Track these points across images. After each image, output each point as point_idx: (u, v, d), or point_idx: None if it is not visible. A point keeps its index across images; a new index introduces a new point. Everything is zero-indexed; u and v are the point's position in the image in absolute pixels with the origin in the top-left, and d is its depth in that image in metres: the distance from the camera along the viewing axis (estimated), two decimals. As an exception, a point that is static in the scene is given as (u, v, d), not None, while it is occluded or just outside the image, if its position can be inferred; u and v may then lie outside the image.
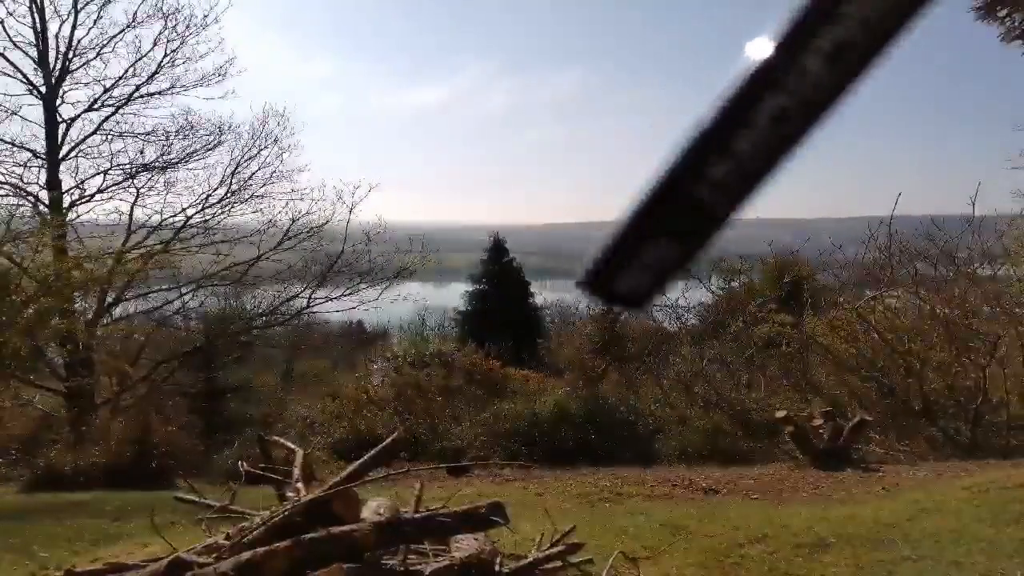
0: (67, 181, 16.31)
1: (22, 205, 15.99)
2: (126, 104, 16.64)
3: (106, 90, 16.41)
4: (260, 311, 18.00)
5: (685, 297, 20.95)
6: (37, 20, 15.85)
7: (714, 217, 0.50)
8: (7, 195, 15.89)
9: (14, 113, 15.83)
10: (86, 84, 16.40)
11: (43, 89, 16.02)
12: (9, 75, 15.85)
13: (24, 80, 15.97)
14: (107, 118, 16.58)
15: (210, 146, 17.12)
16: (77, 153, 16.44)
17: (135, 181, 16.80)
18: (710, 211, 0.49)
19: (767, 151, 0.48)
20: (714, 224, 0.50)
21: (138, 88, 16.60)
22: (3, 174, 15.86)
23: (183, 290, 17.34)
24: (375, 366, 18.97)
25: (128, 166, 16.69)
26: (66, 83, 16.22)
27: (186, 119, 17.00)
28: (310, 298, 17.76)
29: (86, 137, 16.48)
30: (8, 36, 15.61)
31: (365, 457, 4.32)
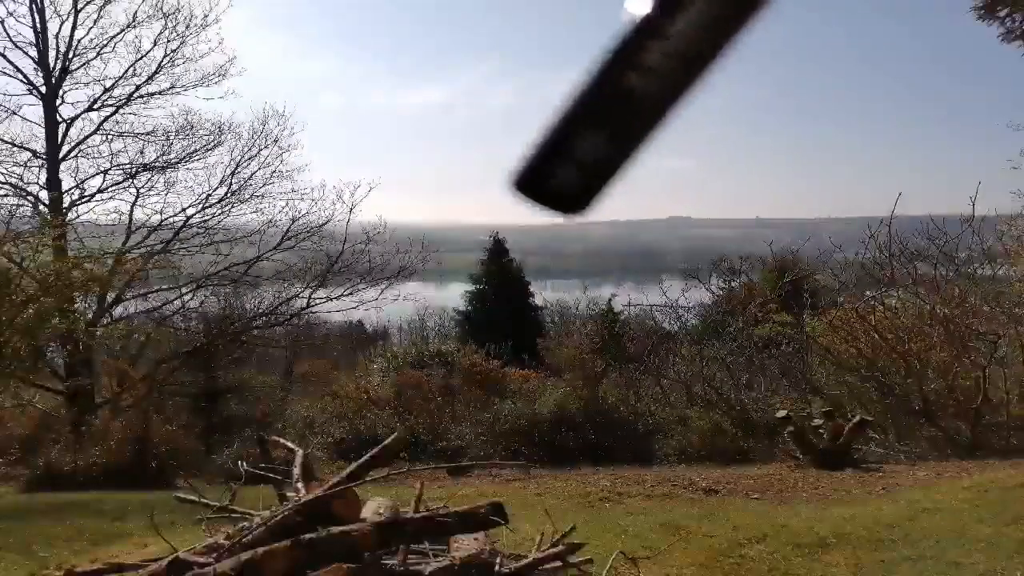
0: (67, 181, 16.32)
1: (22, 205, 16.01)
2: (126, 104, 16.65)
3: (106, 90, 16.43)
4: (260, 311, 17.99)
5: (685, 297, 20.96)
6: (37, 20, 15.86)
7: (647, 107, 0.47)
8: (7, 195, 15.90)
9: (14, 113, 15.85)
10: (86, 84, 16.42)
11: (43, 89, 16.02)
12: (9, 75, 15.87)
13: (24, 80, 15.99)
14: (107, 118, 16.59)
15: (210, 146, 17.13)
16: (77, 153, 16.45)
17: (135, 181, 16.80)
18: (642, 100, 0.46)
19: (705, 33, 0.45)
20: (647, 115, 0.47)
21: (138, 88, 16.61)
22: (3, 174, 15.87)
23: (183, 290, 17.33)
24: (375, 366, 18.97)
25: (128, 166, 16.70)
26: (66, 83, 16.23)
27: (186, 119, 17.01)
28: (310, 298, 17.74)
29: (86, 137, 16.49)
30: (8, 36, 15.64)
31: (365, 457, 4.32)
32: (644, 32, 0.45)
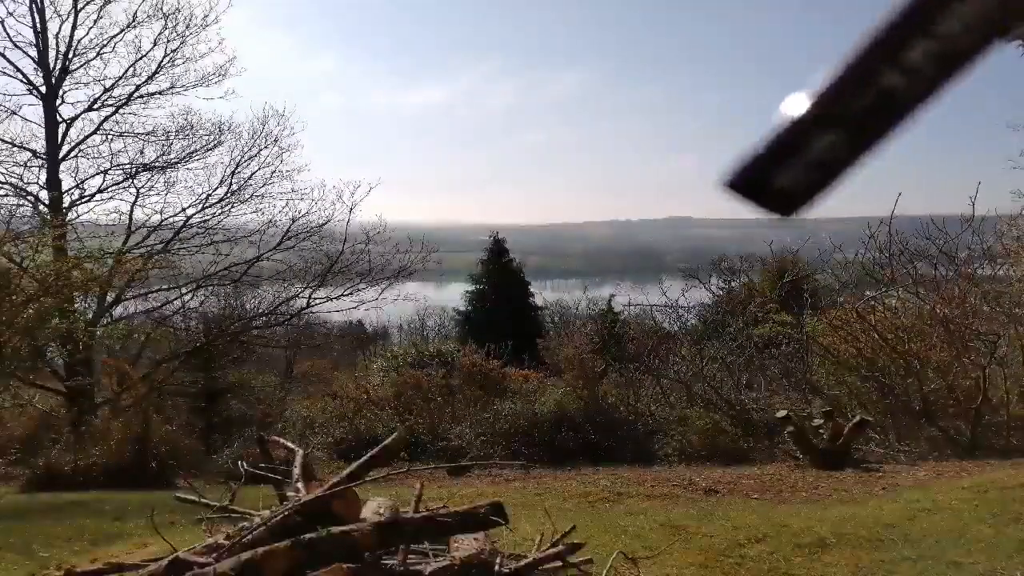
0: (67, 181, 16.32)
1: (22, 205, 16.02)
2: (126, 104, 16.65)
3: (106, 90, 16.43)
4: (260, 311, 17.99)
5: (685, 297, 20.97)
6: (37, 20, 15.85)
7: (897, 106, 0.44)
8: (7, 195, 15.90)
9: (14, 113, 15.85)
10: (86, 84, 16.42)
11: (43, 89, 16.02)
12: (9, 75, 15.87)
13: (24, 80, 15.99)
14: (107, 118, 16.59)
15: (210, 146, 17.13)
16: (77, 153, 16.45)
17: (135, 181, 16.80)
18: (894, 99, 0.44)
19: (977, 31, 0.42)
20: (896, 115, 0.44)
21: (138, 88, 16.61)
22: (3, 174, 15.87)
23: (183, 290, 17.33)
24: (375, 366, 18.97)
25: (128, 166, 16.70)
26: (66, 83, 16.23)
27: (186, 119, 17.01)
28: (310, 298, 17.74)
29: (86, 137, 16.49)
30: (8, 36, 15.63)
31: (365, 457, 4.32)
32: (909, 27, 0.43)
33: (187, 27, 16.65)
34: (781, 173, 0.46)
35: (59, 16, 15.92)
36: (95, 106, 16.43)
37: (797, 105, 0.45)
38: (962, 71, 0.44)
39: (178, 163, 16.96)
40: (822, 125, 0.45)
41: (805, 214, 0.49)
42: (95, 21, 16.05)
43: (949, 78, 0.44)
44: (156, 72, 16.61)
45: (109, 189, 16.70)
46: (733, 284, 22.48)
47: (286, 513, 3.70)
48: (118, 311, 16.86)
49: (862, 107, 0.44)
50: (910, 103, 0.44)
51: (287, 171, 17.52)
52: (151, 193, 16.92)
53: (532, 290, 32.59)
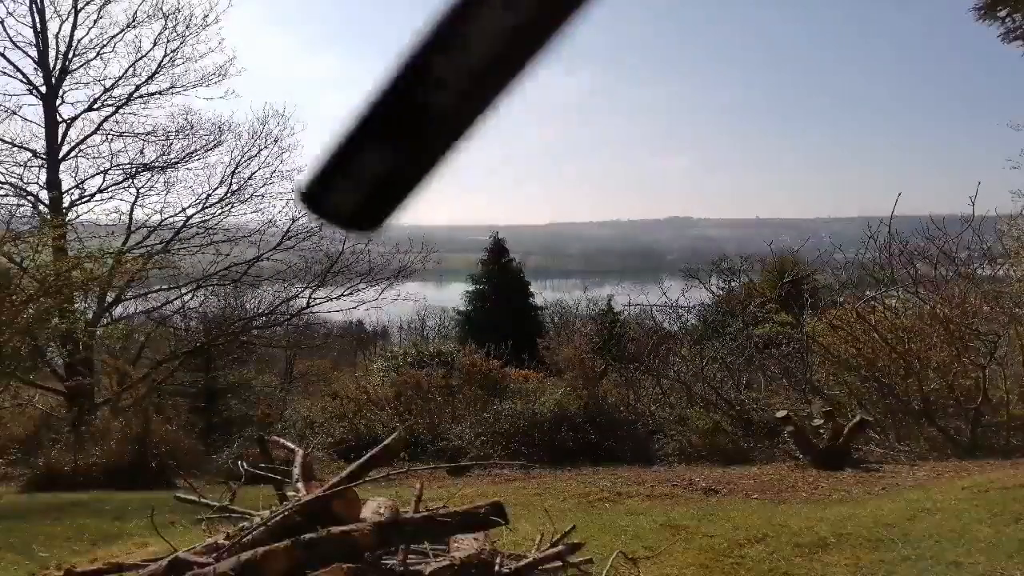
0: (67, 181, 16.31)
1: (22, 205, 16.01)
2: (126, 104, 16.64)
3: (106, 90, 16.42)
4: (260, 311, 17.99)
5: (685, 297, 20.97)
6: (37, 20, 15.85)
7: (439, 122, 0.44)
8: (7, 195, 15.89)
9: (14, 113, 15.84)
10: (86, 84, 16.41)
11: (43, 89, 16.02)
12: (9, 75, 15.86)
13: (24, 80, 15.99)
14: (107, 118, 16.58)
15: (210, 146, 17.12)
16: (77, 153, 16.44)
17: (135, 181, 16.80)
18: (434, 115, 0.44)
19: (502, 45, 0.43)
20: (441, 131, 0.45)
21: (138, 88, 16.60)
22: (3, 174, 15.87)
23: (183, 290, 17.33)
24: (375, 366, 18.97)
25: (128, 166, 16.69)
26: (66, 83, 16.22)
27: (186, 119, 17.00)
28: (310, 298, 17.75)
29: (86, 137, 16.49)
30: (8, 36, 15.63)
31: (365, 457, 4.31)
32: (432, 46, 0.44)
33: (187, 27, 16.66)
34: (338, 194, 0.46)
35: (59, 16, 15.91)
36: (95, 106, 16.43)
37: (346, 120, 0.46)
38: (503, 83, 0.44)
39: (178, 163, 16.97)
40: (372, 143, 0.45)
41: (374, 231, 0.49)
42: (95, 21, 16.06)
43: (490, 92, 0.44)
44: (156, 72, 16.61)
45: (109, 189, 16.70)
46: (733, 284, 22.47)
47: (286, 513, 3.70)
48: (118, 311, 16.87)
49: (407, 125, 0.45)
50: (454, 120, 0.45)
51: (287, 171, 17.53)
52: (151, 193, 16.94)
53: (532, 290, 32.57)
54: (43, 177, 16.18)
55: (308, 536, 3.34)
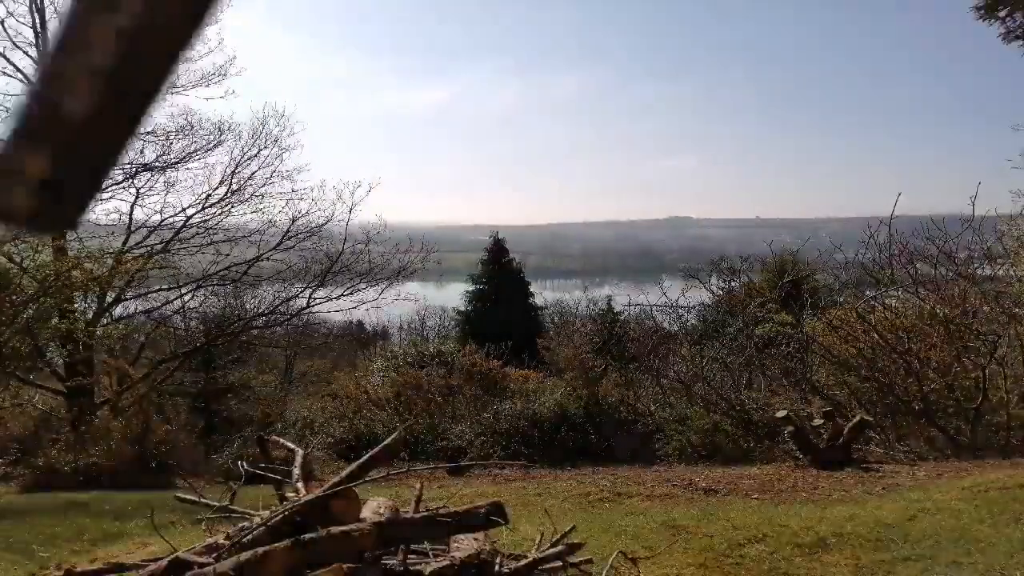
0: (67, 181, 16.30)
1: (22, 205, 15.99)
2: (126, 104, 16.63)
3: (106, 90, 16.41)
4: (260, 311, 17.99)
5: (685, 297, 20.95)
6: (37, 20, 15.84)
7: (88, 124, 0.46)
8: (7, 195, 15.88)
9: (14, 113, 15.84)
10: (86, 84, 16.40)
11: (43, 89, 16.02)
12: (9, 75, 15.85)
13: (24, 80, 15.97)
14: (107, 118, 16.57)
15: (210, 146, 17.10)
16: (77, 153, 16.43)
17: (135, 181, 16.78)
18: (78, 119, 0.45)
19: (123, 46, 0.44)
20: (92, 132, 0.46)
21: (138, 88, 16.59)
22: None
23: (183, 290, 17.33)
24: (375, 366, 18.98)
25: (128, 166, 16.67)
26: (66, 83, 16.22)
27: (186, 119, 17.00)
28: (310, 298, 17.75)
29: (86, 137, 16.47)
30: (8, 36, 15.62)
31: (365, 457, 4.31)
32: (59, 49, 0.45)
33: (187, 27, 16.64)
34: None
35: (59, 16, 15.91)
36: (95, 106, 16.42)
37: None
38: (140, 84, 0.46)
39: (178, 163, 16.95)
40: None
41: (47, 229, 0.51)
42: (95, 21, 16.05)
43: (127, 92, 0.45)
44: (156, 72, 16.60)
45: (109, 189, 16.67)
46: (733, 284, 22.47)
47: (286, 513, 3.70)
48: (118, 311, 16.86)
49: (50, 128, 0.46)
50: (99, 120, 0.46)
51: (287, 171, 17.52)
52: (151, 193, 16.91)
53: (532, 290, 32.59)
54: (43, 177, 16.17)
55: (308, 536, 3.34)
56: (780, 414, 10.43)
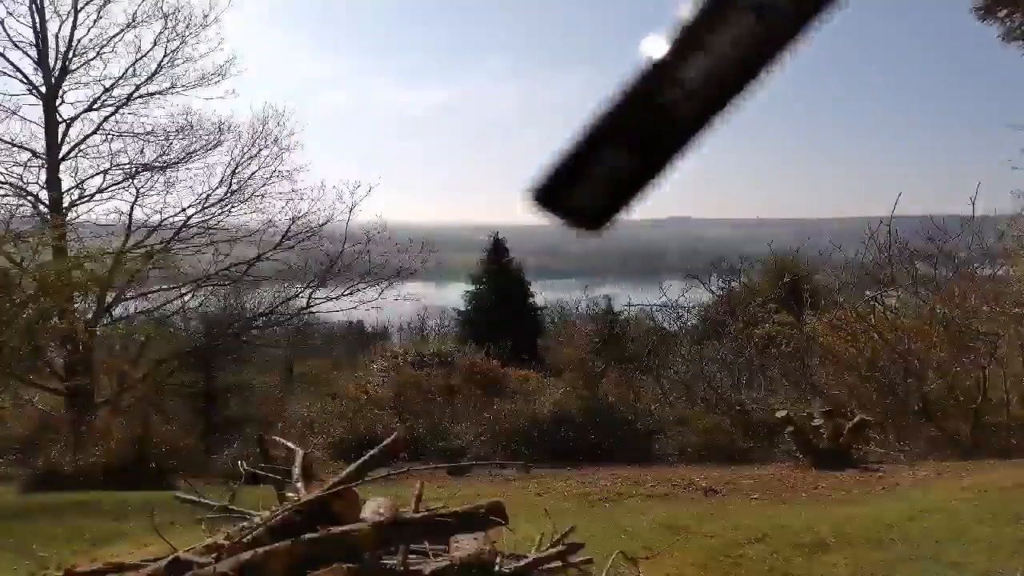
0: (67, 181, 16.29)
1: (22, 205, 15.99)
2: (126, 104, 16.63)
3: (106, 90, 16.41)
4: (260, 311, 17.98)
5: (685, 297, 20.97)
6: (37, 20, 15.84)
7: (677, 123, 0.46)
8: (7, 195, 15.86)
9: (14, 113, 15.82)
10: (86, 84, 16.39)
11: (43, 89, 16.00)
12: (9, 75, 15.85)
13: (24, 80, 15.97)
14: (107, 118, 16.56)
15: (210, 146, 17.10)
16: (77, 153, 16.42)
17: (135, 181, 16.77)
18: (673, 116, 0.45)
19: (745, 52, 0.44)
20: (677, 132, 0.46)
21: (138, 88, 16.58)
22: (3, 174, 15.83)
23: (183, 290, 17.31)
24: (375, 366, 18.97)
25: (128, 166, 16.67)
26: (66, 83, 16.21)
27: (186, 119, 16.99)
28: (310, 298, 17.74)
29: (86, 137, 16.46)
30: (8, 36, 15.62)
31: (365, 457, 4.32)
32: (658, 74, 0.45)
33: (187, 27, 16.65)
34: (575, 193, 0.48)
35: (59, 16, 15.87)
36: (95, 106, 16.42)
37: (587, 121, 0.47)
38: (740, 90, 0.45)
39: (178, 163, 16.94)
40: (609, 142, 0.47)
41: (604, 230, 0.51)
42: (95, 21, 16.05)
43: (728, 97, 0.45)
44: (156, 72, 16.60)
45: (109, 189, 16.68)
46: (733, 284, 22.48)
47: (286, 513, 3.70)
48: (118, 311, 16.85)
49: (644, 125, 0.46)
50: (692, 122, 0.46)
51: (287, 171, 17.51)
52: (151, 193, 16.90)
53: (532, 290, 32.53)
54: (43, 177, 16.16)
55: (308, 536, 3.34)
56: (780, 414, 10.43)
